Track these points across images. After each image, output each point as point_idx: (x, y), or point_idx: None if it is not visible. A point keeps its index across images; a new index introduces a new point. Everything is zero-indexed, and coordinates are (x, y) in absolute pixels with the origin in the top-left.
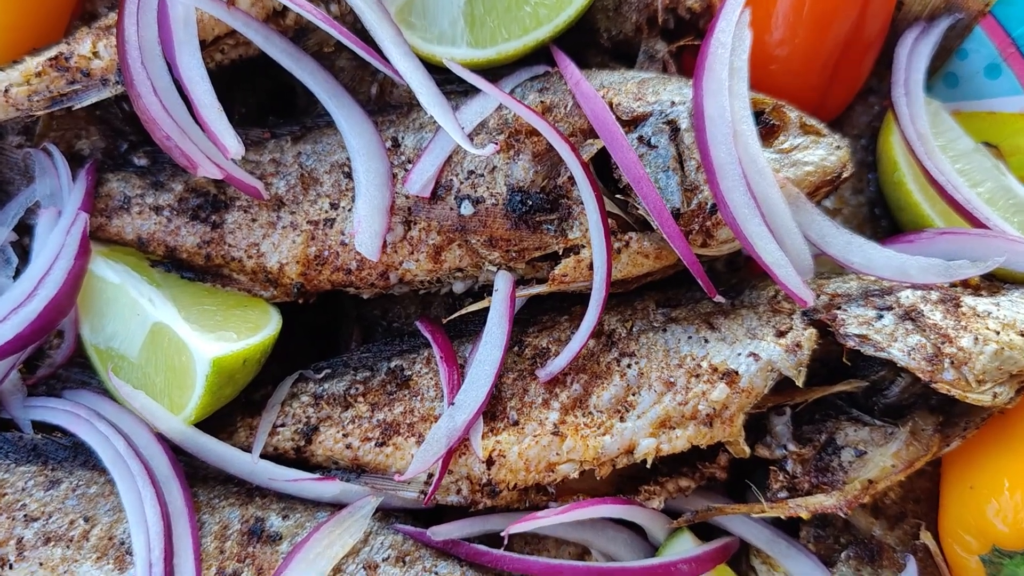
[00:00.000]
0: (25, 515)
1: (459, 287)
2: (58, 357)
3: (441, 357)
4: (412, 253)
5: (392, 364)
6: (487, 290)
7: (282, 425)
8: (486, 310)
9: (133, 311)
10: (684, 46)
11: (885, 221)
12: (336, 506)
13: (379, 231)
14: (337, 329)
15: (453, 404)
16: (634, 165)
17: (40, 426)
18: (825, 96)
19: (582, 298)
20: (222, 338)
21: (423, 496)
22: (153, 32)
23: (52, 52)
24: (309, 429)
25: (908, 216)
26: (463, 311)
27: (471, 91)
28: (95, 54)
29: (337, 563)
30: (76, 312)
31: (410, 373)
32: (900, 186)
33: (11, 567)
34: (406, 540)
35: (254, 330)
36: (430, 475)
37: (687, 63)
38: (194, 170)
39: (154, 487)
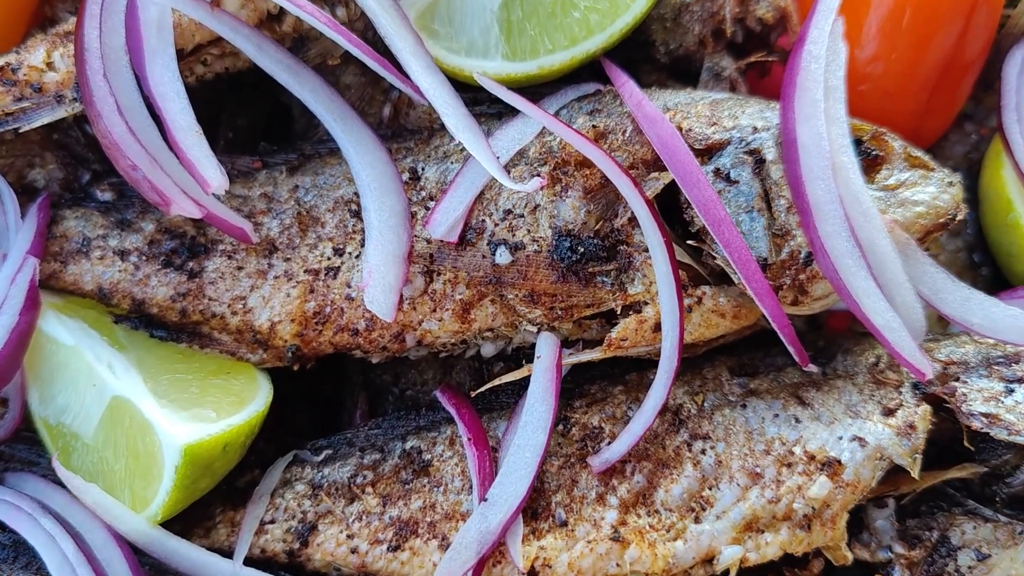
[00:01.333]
0: None
1: (488, 349)
2: (1, 431)
3: (469, 439)
4: (434, 311)
5: (407, 445)
6: (522, 354)
7: (271, 522)
8: (523, 379)
9: (89, 380)
10: (753, 63)
11: (986, 269)
12: None
13: (394, 284)
14: (339, 396)
15: (486, 500)
16: (712, 204)
17: None
18: (920, 122)
19: (635, 362)
20: (197, 417)
21: None
22: (120, 38)
23: None
24: (305, 528)
25: None
26: (496, 382)
27: (507, 113)
28: (49, 65)
29: None
30: (23, 376)
31: (430, 457)
32: (1014, 229)
33: None
34: None
35: (238, 404)
36: None
37: (757, 84)
38: (167, 208)
39: None
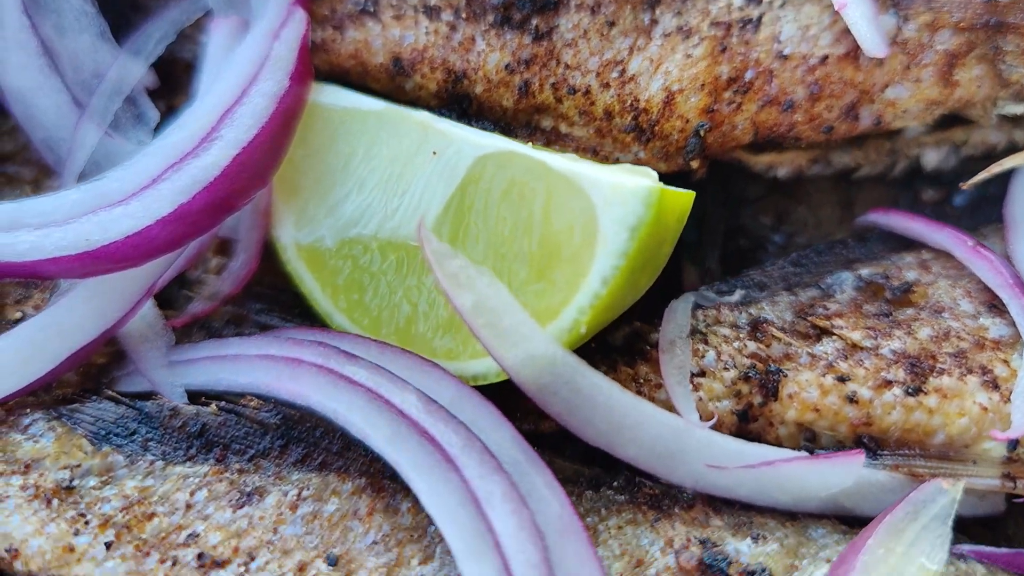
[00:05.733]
0: (198, 556)
1: (932, 158)
2: (224, 284)
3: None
4: (907, 69)
5: (862, 273)
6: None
7: (700, 374)
8: None
9: (423, 146)
10: None
11: None
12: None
13: (870, 14)
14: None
15: None
16: None
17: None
18: None
19: None
20: (634, 172)
21: (1008, 481)
22: None
23: None
24: (767, 378)
25: None
26: (995, 169)
27: None
28: None
29: None
30: (264, 200)
31: (907, 283)
32: None
33: None
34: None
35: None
36: (1015, 448)
37: None
38: None
39: (512, 486)
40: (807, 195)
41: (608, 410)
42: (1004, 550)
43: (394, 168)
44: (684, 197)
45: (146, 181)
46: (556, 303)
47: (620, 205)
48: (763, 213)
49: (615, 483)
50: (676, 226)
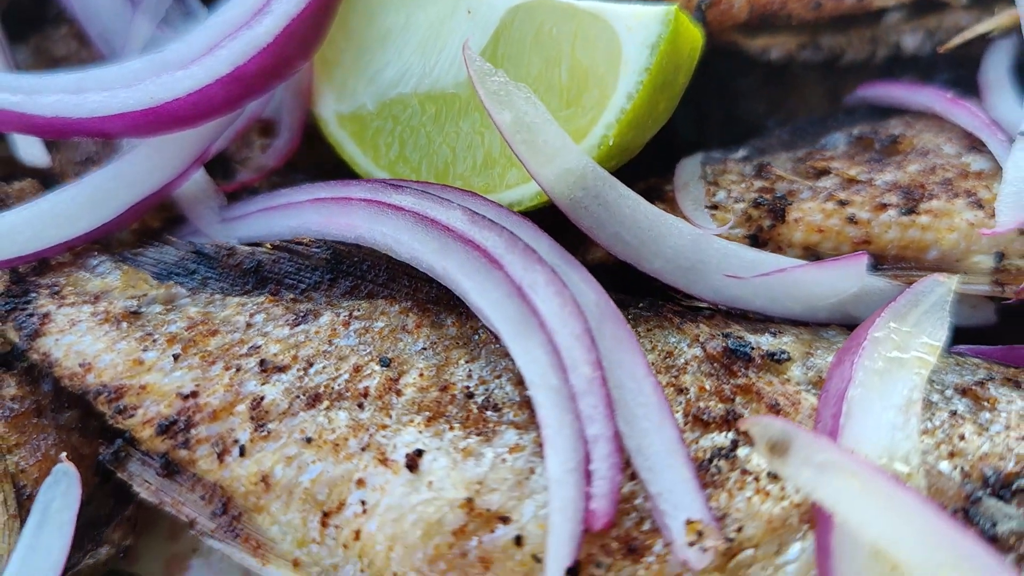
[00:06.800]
0: (260, 363)
1: (909, 42)
2: (269, 158)
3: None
4: None
5: (854, 132)
6: None
7: (713, 208)
8: None
9: (457, 5)
10: None
11: None
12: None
13: None
14: None
15: None
16: None
17: None
18: None
19: None
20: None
21: (998, 287)
22: None
23: None
24: (773, 201)
25: None
26: (965, 36)
27: None
28: None
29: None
30: (305, 80)
31: (895, 134)
32: None
33: (243, 452)
34: (968, 366)
35: None
36: (1001, 259)
37: None
38: None
39: (553, 273)
40: (797, 87)
41: (634, 223)
42: (999, 347)
43: (431, 31)
44: (695, 31)
45: (204, 50)
46: (585, 124)
47: (641, 29)
48: (757, 103)
49: (640, 304)
50: (690, 57)
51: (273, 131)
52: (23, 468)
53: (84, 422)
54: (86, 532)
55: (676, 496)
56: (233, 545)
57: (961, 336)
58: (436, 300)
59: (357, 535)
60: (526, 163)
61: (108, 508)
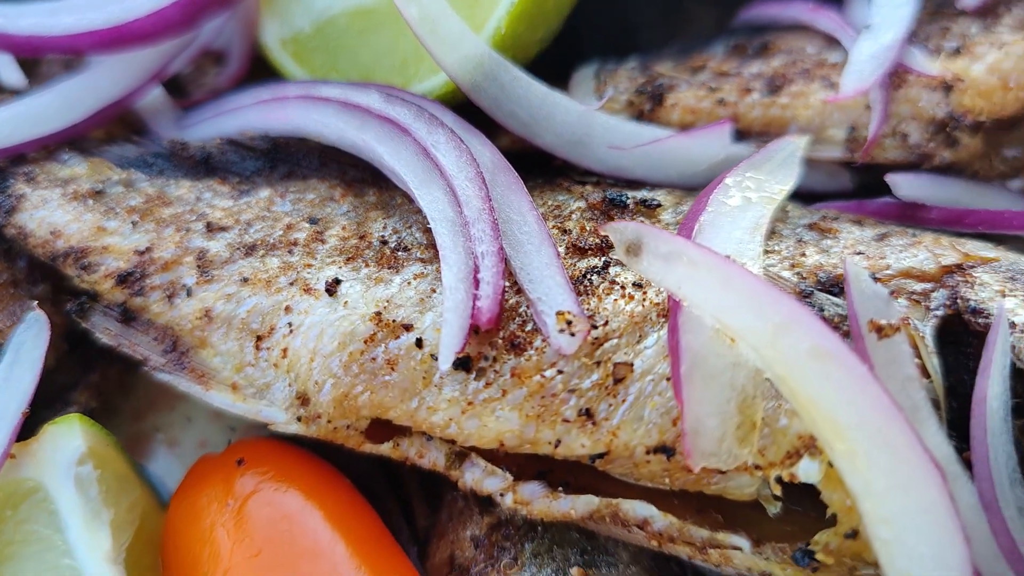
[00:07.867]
0: (206, 225)
1: None
2: (219, 79)
3: None
4: None
5: (732, 42)
6: None
7: (603, 98)
8: None
9: None
10: None
11: None
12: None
13: None
14: None
15: (868, 27)
16: None
17: None
18: None
19: None
20: None
21: (849, 153)
22: None
23: None
24: (654, 91)
25: None
26: None
27: None
28: None
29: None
30: (252, 9)
31: (766, 41)
32: None
33: (189, 293)
34: (819, 213)
35: None
36: (852, 131)
37: None
38: None
39: (453, 135)
40: (690, 20)
41: (527, 101)
42: (851, 202)
43: None
44: None
45: None
46: (481, 18)
47: None
48: (654, 34)
49: (540, 180)
50: None
51: (223, 59)
52: (0, 330)
53: (55, 296)
54: (56, 395)
55: (551, 297)
56: (181, 376)
57: (820, 199)
58: (361, 181)
59: (284, 352)
60: (432, 52)
61: (75, 376)
